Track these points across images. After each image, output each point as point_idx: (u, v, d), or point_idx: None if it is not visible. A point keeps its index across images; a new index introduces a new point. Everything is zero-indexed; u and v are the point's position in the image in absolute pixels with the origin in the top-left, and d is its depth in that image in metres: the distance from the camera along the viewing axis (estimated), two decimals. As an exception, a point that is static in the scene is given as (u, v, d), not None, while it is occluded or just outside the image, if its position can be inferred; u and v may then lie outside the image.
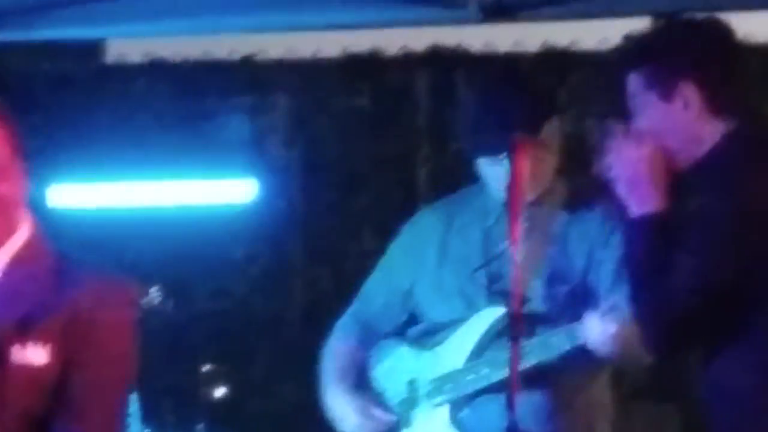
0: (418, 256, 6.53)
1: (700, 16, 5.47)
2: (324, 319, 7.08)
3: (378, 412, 6.38)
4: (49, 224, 4.46)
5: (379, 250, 6.81)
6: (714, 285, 4.95)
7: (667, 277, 5.05)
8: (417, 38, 9.07)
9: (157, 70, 9.79)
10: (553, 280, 6.21)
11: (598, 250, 6.11)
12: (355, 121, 8.99)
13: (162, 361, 7.00)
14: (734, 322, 5.02)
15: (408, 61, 9.49)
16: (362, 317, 6.66)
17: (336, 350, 6.58)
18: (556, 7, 7.32)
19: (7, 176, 4.38)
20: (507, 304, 5.77)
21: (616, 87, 5.92)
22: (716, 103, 5.07)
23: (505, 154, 5.79)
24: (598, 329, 5.74)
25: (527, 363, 5.80)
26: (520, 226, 5.70)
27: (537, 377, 5.98)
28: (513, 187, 5.53)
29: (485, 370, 6.12)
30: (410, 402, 6.46)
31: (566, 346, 5.99)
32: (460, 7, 7.10)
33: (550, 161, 6.10)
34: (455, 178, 7.44)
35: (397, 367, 6.58)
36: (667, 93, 5.11)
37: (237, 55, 9.42)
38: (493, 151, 5.89)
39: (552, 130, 6.12)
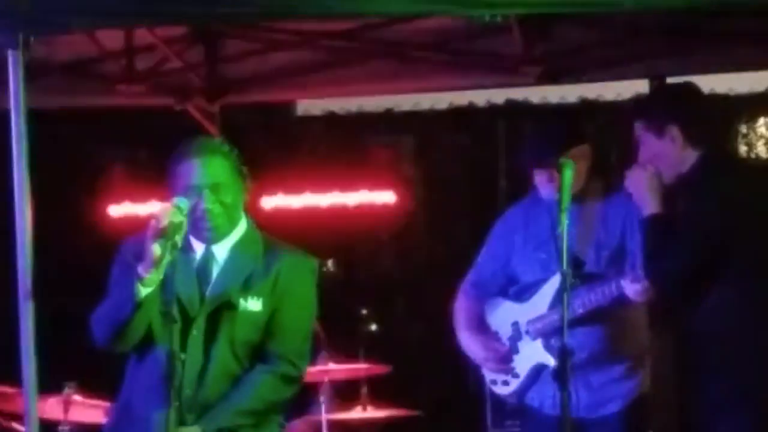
0: (510, 240, 7.88)
1: (679, 79, 7.63)
2: (439, 279, 8.79)
3: (496, 345, 7.73)
4: (260, 221, 6.29)
5: (473, 236, 8.50)
6: (695, 255, 6.52)
7: (666, 253, 6.56)
8: (498, 95, 10.06)
9: (329, 119, 10.71)
10: (598, 248, 7.45)
11: (627, 225, 7.36)
12: (459, 151, 10.36)
13: (334, 307, 7.32)
14: (710, 281, 6.48)
15: (492, 110, 10.55)
16: (477, 283, 7.99)
17: (463, 306, 7.92)
18: (585, 75, 8.94)
19: (229, 191, 5.98)
20: (568, 268, 6.53)
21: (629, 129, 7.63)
22: (692, 138, 6.67)
23: (552, 166, 7.02)
24: (633, 286, 7.00)
25: (589, 306, 7.17)
26: (570, 214, 6.69)
27: (597, 315, 7.25)
28: (560, 189, 6.55)
29: (563, 313, 6.64)
30: (515, 337, 7.69)
31: (613, 294, 7.15)
32: (524, 75, 8.74)
33: (581, 169, 7.26)
34: (524, 189, 8.25)
35: (504, 315, 7.84)
36: (659, 133, 6.69)
37: (381, 109, 10.40)
38: (545, 164, 7.21)
39: (582, 150, 7.41)
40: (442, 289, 8.40)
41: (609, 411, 7.45)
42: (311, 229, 8.01)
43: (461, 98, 9.71)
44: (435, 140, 10.01)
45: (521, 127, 9.66)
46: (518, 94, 9.74)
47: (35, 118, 5.78)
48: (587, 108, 9.02)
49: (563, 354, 6.32)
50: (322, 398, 7.85)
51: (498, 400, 8.11)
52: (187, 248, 6.04)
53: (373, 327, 8.35)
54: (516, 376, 7.71)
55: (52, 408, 7.14)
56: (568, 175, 6.65)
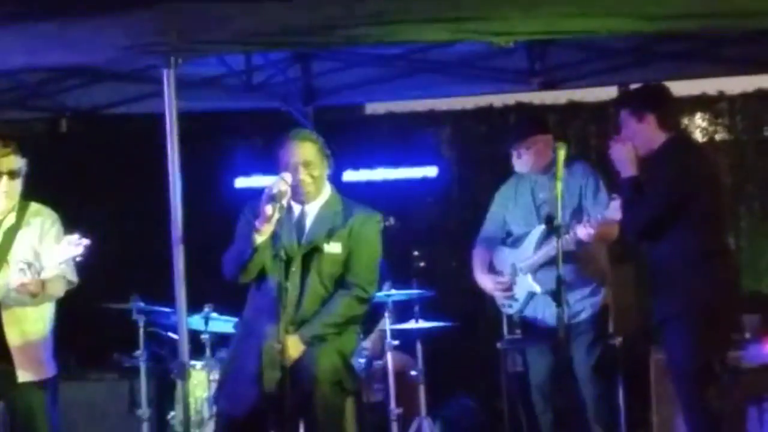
0: (505, 205, 8.12)
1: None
2: (466, 231, 8.67)
3: (500, 280, 7.95)
4: (341, 188, 6.40)
5: (486, 202, 8.32)
6: (659, 208, 6.57)
7: (637, 205, 6.71)
8: (510, 98, 10.08)
9: (389, 116, 10.46)
10: (563, 207, 7.07)
11: (583, 190, 7.68)
12: (482, 139, 10.18)
13: (394, 249, 7.10)
14: (669, 227, 6.56)
15: (506, 109, 10.33)
16: (485, 238, 8.25)
17: (477, 255, 8.23)
18: (571, 83, 8.94)
19: (316, 167, 6.16)
20: (546, 222, 7.11)
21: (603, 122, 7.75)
22: (662, 124, 6.72)
23: (522, 147, 7.70)
24: (584, 230, 7.37)
25: (562, 249, 6.80)
26: (544, 183, 7.62)
27: (566, 254, 7.05)
28: (556, 164, 6.78)
29: (542, 254, 7.59)
30: (513, 274, 7.84)
31: (574, 239, 7.41)
32: (529, 84, 8.82)
33: (546, 149, 7.64)
34: None
35: (504, 259, 8.07)
36: (639, 118, 6.73)
37: (426, 108, 10.27)
38: (513, 147, 7.76)
39: (545, 138, 7.81)
40: (469, 237, 8.44)
41: (582, 318, 7.66)
42: (378, 194, 7.92)
43: (483, 101, 9.76)
44: (464, 131, 9.98)
45: (523, 122, 9.28)
46: (524, 97, 9.72)
47: (182, 118, 5.85)
48: (574, 107, 9.03)
49: (559, 281, 6.48)
50: (386, 314, 7.89)
51: (508, 316, 8.28)
52: (289, 208, 6.12)
53: (422, 264, 8.27)
54: (516, 300, 7.91)
55: (196, 322, 7.26)
56: (561, 154, 6.79)
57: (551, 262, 7.12)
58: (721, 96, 9.69)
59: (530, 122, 8.30)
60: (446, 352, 8.48)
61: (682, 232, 6.56)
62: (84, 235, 6.47)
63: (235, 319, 6.70)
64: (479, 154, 9.82)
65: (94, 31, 5.85)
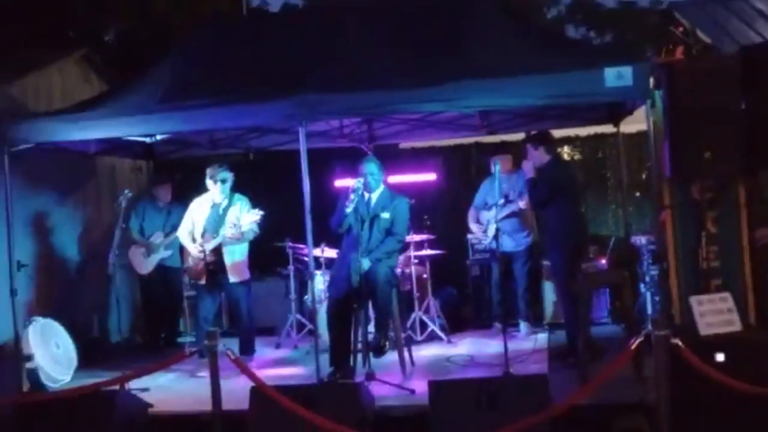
0: (485, 190, 7.54)
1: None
2: (457, 207, 8.26)
3: (482, 228, 7.49)
4: (387, 184, 6.28)
5: (470, 194, 7.86)
6: (545, 193, 6.21)
7: (535, 191, 6.33)
8: (471, 140, 8.80)
9: (412, 149, 9.35)
10: (512, 191, 7.20)
11: (521, 183, 6.87)
12: (457, 161, 9.37)
13: (414, 217, 6.84)
14: (552, 203, 6.24)
15: (469, 145, 9.16)
16: (475, 206, 7.63)
17: (471, 214, 7.63)
18: (503, 131, 8.02)
19: (376, 175, 6.06)
20: (504, 198, 7.04)
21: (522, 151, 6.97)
22: (548, 151, 6.35)
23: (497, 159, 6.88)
24: (523, 202, 7.03)
25: (509, 212, 7.10)
26: (507, 180, 7.11)
27: (513, 214, 7.22)
28: (501, 168, 6.49)
29: (502, 214, 7.01)
30: (487, 224, 7.39)
31: (518, 206, 7.15)
32: (480, 131, 8.07)
33: (509, 164, 7.32)
34: (485, 174, 8.04)
35: (484, 216, 7.48)
36: (536, 148, 6.35)
37: (429, 145, 9.20)
38: (494, 158, 6.99)
39: (507, 157, 7.41)
40: (451, 210, 8.35)
41: (521, 248, 7.40)
42: (406, 188, 7.24)
43: (457, 141, 8.96)
44: (449, 156, 9.28)
45: (479, 152, 9.01)
46: (478, 139, 8.80)
47: (309, 151, 5.64)
48: (506, 143, 8.29)
49: (496, 231, 6.22)
50: (411, 247, 7.45)
51: (473, 246, 7.99)
52: (362, 195, 6.06)
53: (428, 222, 7.72)
54: (487, 237, 7.46)
55: (317, 253, 6.96)
56: (497, 168, 6.43)
57: (506, 217, 7.12)
58: (576, 137, 9.40)
59: (499, 148, 7.85)
60: (440, 265, 7.82)
61: (558, 204, 6.27)
62: (262, 209, 6.70)
63: (337, 250, 6.63)
64: (456, 168, 9.30)
65: (265, 108, 5.67)
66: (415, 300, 7.43)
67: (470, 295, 8.27)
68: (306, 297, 7.55)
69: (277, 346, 7.55)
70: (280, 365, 6.82)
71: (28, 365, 5.97)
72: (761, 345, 4.12)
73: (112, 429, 4.78)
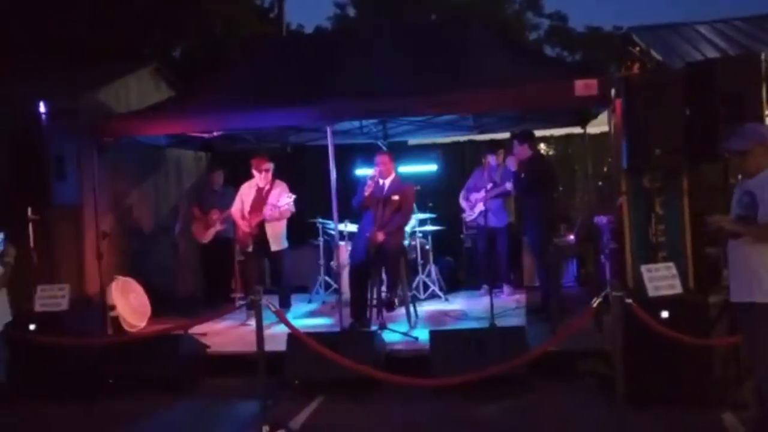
0: (476, 177, 7.19)
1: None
2: (452, 191, 7.74)
3: (471, 205, 7.17)
4: (399, 173, 6.18)
5: (464, 179, 7.49)
6: (526, 184, 6.07)
7: (518, 181, 6.21)
8: (465, 137, 8.61)
9: (418, 145, 9.04)
10: (505, 180, 6.81)
11: (502, 173, 6.83)
12: (453, 153, 9.07)
13: (419, 199, 6.66)
14: (532, 191, 6.08)
15: (464, 143, 8.97)
16: (467, 187, 7.30)
17: (463, 194, 7.30)
18: (493, 130, 7.89)
19: (389, 165, 5.96)
20: (492, 182, 6.73)
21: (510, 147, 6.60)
22: (530, 147, 6.14)
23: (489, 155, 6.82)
24: (509, 186, 6.65)
25: (498, 192, 6.85)
26: (500, 171, 6.82)
27: (500, 195, 6.89)
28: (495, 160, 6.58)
29: (489, 195, 6.59)
30: (476, 201, 7.05)
31: (505, 190, 6.82)
32: (473, 131, 7.89)
33: (501, 158, 6.89)
34: (473, 165, 7.93)
35: (474, 196, 7.15)
36: (521, 144, 6.15)
37: (431, 142, 8.94)
38: (486, 155, 6.65)
39: (500, 151, 7.00)
40: (449, 195, 7.85)
41: (503, 225, 7.15)
42: (413, 176, 7.10)
43: (455, 138, 8.77)
44: (446, 151, 9.02)
45: (473, 149, 8.73)
46: (472, 137, 8.57)
47: (336, 147, 5.63)
48: (496, 141, 7.75)
49: (485, 211, 6.13)
50: (416, 223, 7.30)
51: (466, 223, 7.72)
52: (377, 181, 5.98)
53: (430, 204, 7.54)
54: (474, 213, 7.26)
55: (341, 227, 6.79)
56: (501, 157, 6.64)
57: (494, 197, 6.88)
58: (551, 136, 9.30)
59: (494, 145, 7.43)
60: (440, 238, 7.64)
61: (537, 192, 6.12)
62: (297, 193, 6.67)
63: (356, 225, 6.57)
64: (453, 161, 9.04)
65: (300, 112, 5.61)
66: (419, 266, 7.36)
67: (463, 262, 8.17)
68: (332, 262, 7.52)
69: (309, 301, 7.55)
70: (311, 317, 6.79)
71: (112, 314, 6.08)
72: (698, 305, 4.11)
73: (177, 364, 4.91)
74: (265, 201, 6.72)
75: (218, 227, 7.46)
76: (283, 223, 6.89)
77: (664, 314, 3.97)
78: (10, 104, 5.41)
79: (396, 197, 5.98)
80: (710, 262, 6.17)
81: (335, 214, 5.70)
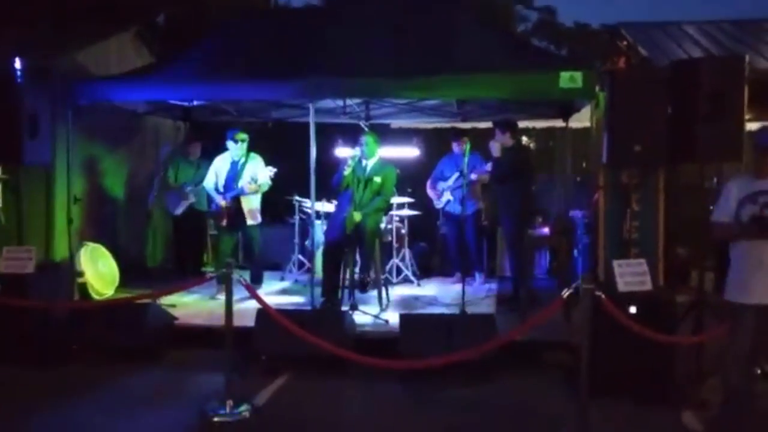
0: (443, 164, 7.27)
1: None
2: (426, 178, 7.59)
3: (438, 194, 7.19)
4: (380, 156, 6.45)
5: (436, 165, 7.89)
6: (506, 170, 6.11)
7: (499, 169, 6.19)
8: (448, 124, 8.28)
9: (401, 129, 9.56)
10: (472, 169, 6.81)
11: (476, 161, 6.89)
12: (435, 140, 9.44)
13: (400, 183, 6.60)
14: (510, 179, 6.12)
15: (446, 130, 8.42)
16: (434, 177, 7.33)
17: (430, 183, 7.30)
18: (475, 119, 7.88)
19: (372, 146, 5.97)
20: (459, 171, 6.72)
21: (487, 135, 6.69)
22: (512, 136, 6.22)
23: (456, 142, 6.99)
24: (475, 176, 6.80)
25: (465, 181, 6.79)
26: (466, 159, 6.27)
27: (466, 184, 6.58)
28: (457, 148, 6.67)
29: (455, 184, 6.92)
30: (443, 192, 7.16)
31: (471, 179, 6.85)
32: (456, 117, 7.79)
33: (463, 144, 6.86)
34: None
35: (441, 186, 7.21)
36: (503, 132, 6.21)
37: (414, 126, 8.94)
38: (453, 142, 6.99)
39: (464, 140, 6.91)
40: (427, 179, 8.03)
41: (469, 212, 7.00)
42: (394, 160, 7.00)
43: (437, 124, 8.64)
44: (429, 136, 9.19)
45: (454, 134, 8.65)
46: (454, 124, 8.20)
47: (316, 125, 5.54)
48: (477, 130, 8.05)
49: (463, 198, 6.03)
50: (394, 206, 7.32)
51: (440, 209, 7.60)
52: (360, 162, 5.98)
53: (410, 190, 7.65)
54: (441, 202, 7.30)
55: (318, 206, 6.76)
56: (467, 145, 6.40)
57: (459, 188, 6.81)
58: (533, 128, 9.41)
59: (458, 133, 7.36)
60: (416, 224, 7.67)
61: (514, 181, 6.15)
62: (274, 166, 6.59)
63: (334, 204, 6.56)
64: (435, 147, 9.11)
65: (283, 86, 5.49)
66: (393, 250, 7.35)
67: (437, 249, 8.18)
68: (306, 241, 7.54)
69: (281, 279, 7.53)
70: (283, 294, 6.77)
71: (80, 280, 6.02)
72: (665, 302, 4.13)
73: (143, 334, 4.87)
74: (240, 175, 6.65)
75: (191, 199, 7.40)
76: (259, 198, 6.83)
77: (633, 309, 3.99)
78: (-15, 61, 5.23)
79: (377, 179, 5.98)
80: (680, 261, 6.34)
81: (312, 192, 5.67)
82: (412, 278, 7.36)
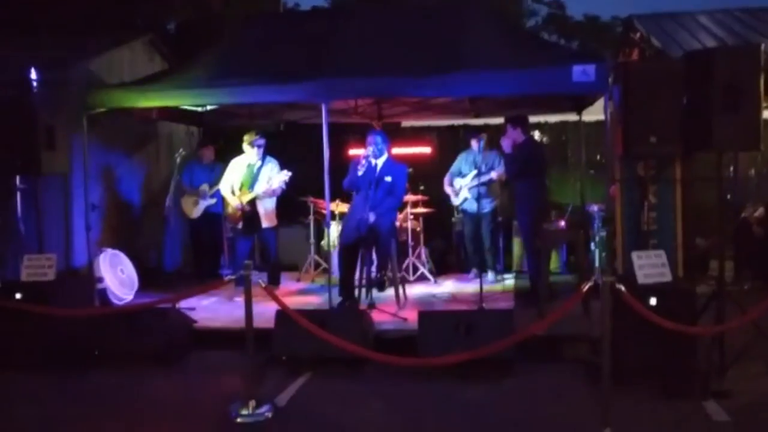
0: (461, 161, 7.22)
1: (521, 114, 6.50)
2: (442, 173, 7.53)
3: (456, 191, 7.16)
4: (391, 155, 6.09)
5: (449, 162, 7.44)
6: (520, 166, 6.12)
7: (511, 165, 6.26)
8: (461, 121, 8.65)
9: (412, 128, 9.12)
10: (488, 165, 6.83)
11: (494, 160, 6.90)
12: (447, 137, 9.15)
13: (411, 181, 6.69)
14: (523, 174, 6.17)
15: (458, 126, 9.00)
16: (451, 173, 7.27)
17: (447, 180, 7.28)
18: (488, 115, 7.90)
19: (381, 145, 5.85)
20: (477, 169, 6.76)
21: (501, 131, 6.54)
22: (524, 131, 6.24)
23: (474, 138, 6.93)
24: (495, 174, 6.79)
25: (482, 181, 6.69)
26: (482, 156, 6.75)
27: (483, 183, 6.74)
28: (475, 145, 6.71)
29: (473, 182, 6.86)
30: (460, 189, 7.13)
31: (490, 177, 6.81)
32: (469, 114, 7.87)
33: (486, 140, 6.89)
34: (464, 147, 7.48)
35: (458, 182, 7.16)
36: (514, 128, 6.22)
37: (426, 125, 9.04)
38: (471, 139, 6.98)
39: (482, 135, 6.92)
40: (442, 177, 7.58)
41: (486, 210, 7.07)
42: (406, 158, 7.04)
43: (450, 122, 8.77)
44: (441, 134, 9.11)
45: (467, 132, 8.43)
46: (467, 121, 8.55)
47: (330, 125, 5.54)
48: (488, 126, 7.98)
49: (479, 195, 6.04)
50: (408, 205, 7.33)
51: (456, 207, 7.65)
52: (370, 162, 5.92)
53: (422, 188, 7.53)
54: (458, 199, 7.27)
55: (332, 207, 6.79)
56: (484, 142, 6.64)
57: (476, 186, 6.74)
58: (546, 123, 9.29)
59: (475, 131, 7.30)
60: (431, 221, 7.62)
61: (529, 176, 6.17)
62: (289, 170, 6.61)
63: (348, 205, 6.55)
64: (448, 144, 9.00)
65: (295, 88, 5.52)
66: (409, 248, 7.36)
67: (453, 246, 8.15)
68: (322, 242, 7.56)
69: (298, 280, 7.56)
70: (300, 295, 6.79)
71: (99, 286, 6.07)
72: (685, 293, 4.11)
73: (163, 338, 4.89)
74: (257, 178, 6.68)
75: (207, 202, 7.43)
76: (275, 201, 6.86)
77: (653, 301, 3.96)
78: (1, 72, 5.41)
79: (388, 178, 5.95)
80: (699, 252, 6.30)
81: (327, 194, 5.67)
82: (428, 276, 7.34)
